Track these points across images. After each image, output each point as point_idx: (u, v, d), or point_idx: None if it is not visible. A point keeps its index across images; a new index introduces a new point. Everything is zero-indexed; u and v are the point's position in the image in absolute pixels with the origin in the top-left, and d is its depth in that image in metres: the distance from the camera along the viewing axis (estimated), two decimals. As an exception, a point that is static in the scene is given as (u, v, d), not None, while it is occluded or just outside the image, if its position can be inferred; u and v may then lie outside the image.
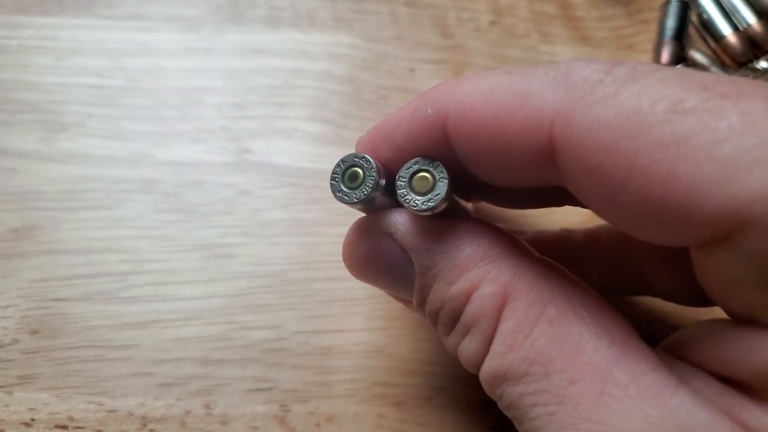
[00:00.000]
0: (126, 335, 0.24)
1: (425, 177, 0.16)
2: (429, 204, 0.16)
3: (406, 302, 0.19)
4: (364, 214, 0.18)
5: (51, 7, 0.31)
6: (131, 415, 0.23)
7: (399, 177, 0.16)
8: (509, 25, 0.31)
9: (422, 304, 0.17)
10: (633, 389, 0.13)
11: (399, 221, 0.17)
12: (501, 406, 0.15)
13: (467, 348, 0.16)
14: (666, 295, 0.21)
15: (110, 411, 0.23)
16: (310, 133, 0.28)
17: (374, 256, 0.17)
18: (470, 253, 0.16)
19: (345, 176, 0.16)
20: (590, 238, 0.23)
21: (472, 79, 0.16)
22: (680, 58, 0.30)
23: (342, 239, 0.26)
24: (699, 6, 0.31)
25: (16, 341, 0.24)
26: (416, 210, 0.16)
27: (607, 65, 0.13)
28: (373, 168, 0.16)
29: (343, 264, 0.25)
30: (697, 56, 0.30)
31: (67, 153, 0.28)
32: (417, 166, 0.16)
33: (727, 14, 0.30)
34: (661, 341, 0.16)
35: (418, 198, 0.16)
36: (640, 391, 0.13)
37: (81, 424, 0.22)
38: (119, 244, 0.26)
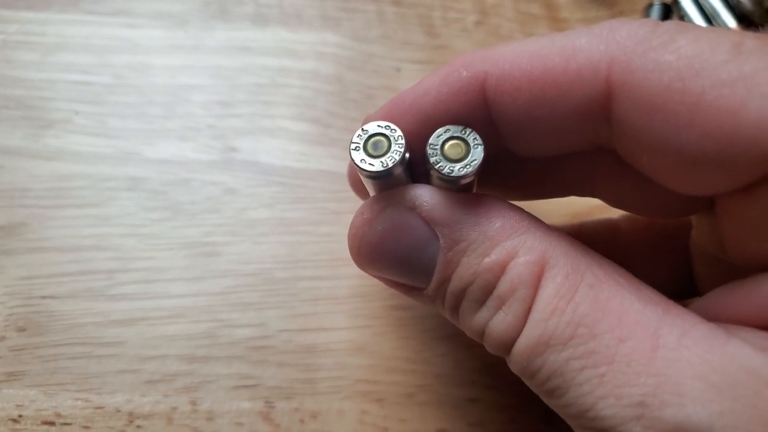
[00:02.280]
0: (113, 332, 0.24)
1: (458, 144, 0.15)
2: (466, 170, 0.15)
3: (412, 291, 0.18)
4: (365, 199, 0.18)
5: (36, 1, 0.31)
6: (118, 411, 0.23)
7: (430, 145, 0.15)
8: (495, 25, 0.32)
9: (444, 283, 0.16)
10: (687, 341, 0.13)
11: (424, 194, 0.16)
12: (539, 379, 0.15)
13: (501, 322, 0.15)
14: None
15: (97, 407, 0.23)
16: (297, 132, 0.29)
17: (395, 233, 0.16)
18: (503, 225, 0.15)
19: (368, 145, 0.15)
20: (576, 232, 0.23)
21: (506, 45, 0.15)
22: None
23: (327, 238, 0.26)
24: (681, 9, 0.31)
25: (3, 338, 0.24)
26: (452, 177, 0.15)
27: (651, 21, 0.14)
28: (400, 136, 0.15)
29: (327, 263, 0.26)
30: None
31: (54, 150, 0.28)
32: (448, 133, 0.15)
33: (708, 18, 0.31)
34: None
35: (454, 165, 0.15)
36: (695, 342, 0.13)
37: (68, 420, 0.23)
38: (106, 241, 0.26)
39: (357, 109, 0.29)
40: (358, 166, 0.15)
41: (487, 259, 0.15)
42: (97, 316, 0.25)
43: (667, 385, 0.13)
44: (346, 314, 0.25)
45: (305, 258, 0.26)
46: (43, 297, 0.25)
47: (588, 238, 0.23)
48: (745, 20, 0.30)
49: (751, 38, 0.13)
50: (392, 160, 0.15)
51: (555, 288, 0.15)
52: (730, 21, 0.30)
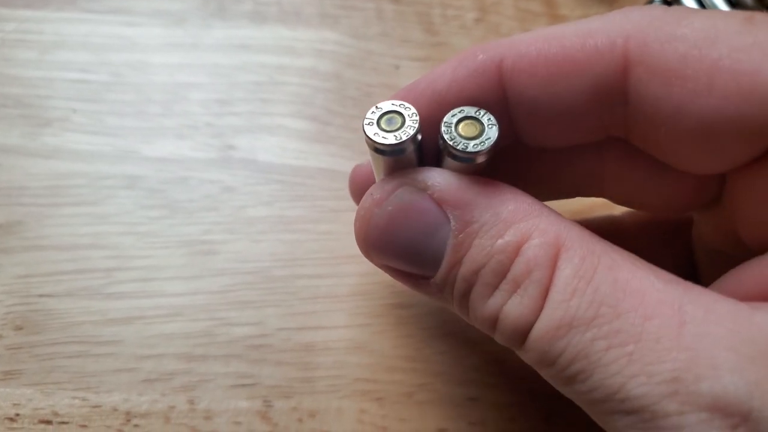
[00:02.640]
0: (110, 331, 0.24)
1: (473, 124, 0.15)
2: (482, 146, 0.15)
3: (417, 281, 0.17)
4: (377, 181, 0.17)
5: (35, 0, 0.31)
6: (115, 410, 0.23)
7: (444, 123, 0.15)
8: (494, 22, 0.32)
9: (455, 267, 0.16)
10: (712, 316, 0.13)
11: (436, 176, 0.16)
12: (561, 364, 0.14)
13: (518, 305, 0.15)
14: None
15: (94, 406, 0.23)
16: (295, 129, 0.29)
17: (405, 214, 0.16)
18: (516, 208, 0.15)
19: (381, 121, 0.15)
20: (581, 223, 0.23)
21: (520, 34, 0.16)
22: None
23: (326, 236, 0.26)
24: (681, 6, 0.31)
25: (0, 337, 0.24)
26: (466, 153, 0.15)
27: (662, 6, 0.15)
28: (415, 113, 0.15)
29: (326, 261, 0.26)
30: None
31: (52, 148, 0.28)
32: (462, 113, 0.15)
33: (709, 14, 0.30)
34: None
35: (467, 141, 0.15)
36: (721, 317, 0.13)
37: (65, 420, 0.23)
38: (104, 240, 0.26)
39: (356, 107, 0.29)
40: (371, 139, 0.15)
41: (500, 241, 0.15)
42: (95, 314, 0.24)
43: (699, 358, 0.12)
44: (346, 312, 0.25)
45: (304, 256, 0.26)
46: (41, 295, 0.25)
47: (596, 226, 0.23)
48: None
49: (758, 14, 0.14)
50: (406, 134, 0.15)
51: (573, 269, 0.14)
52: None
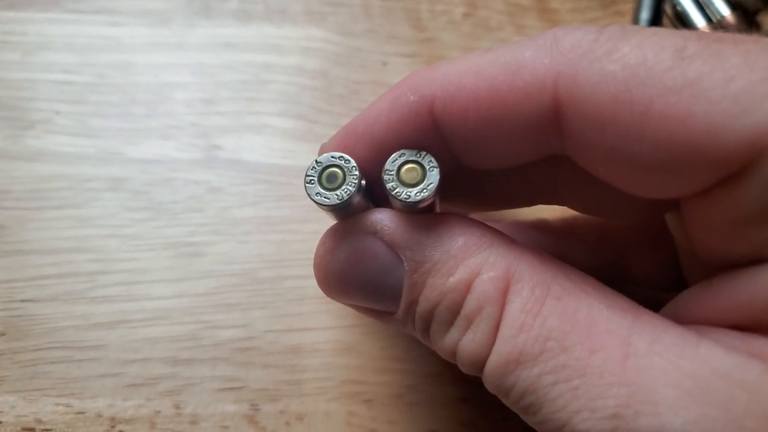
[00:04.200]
0: (94, 336, 0.24)
1: (414, 168, 0.15)
2: (423, 194, 0.15)
3: (383, 315, 0.18)
4: (333, 222, 0.18)
5: (18, 0, 0.31)
6: (100, 416, 0.22)
7: (386, 171, 0.15)
8: (483, 17, 0.31)
9: (412, 305, 0.16)
10: (658, 347, 0.13)
11: (384, 219, 0.16)
12: (513, 397, 0.15)
13: (471, 341, 0.15)
14: (642, 280, 0.21)
15: (79, 412, 0.22)
16: (282, 128, 0.28)
17: (358, 260, 0.16)
18: (465, 242, 0.15)
19: (322, 177, 0.16)
20: (567, 225, 0.23)
21: (451, 63, 0.15)
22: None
23: (313, 236, 0.26)
24: (673, -3, 0.30)
25: (-18, 343, 0.23)
26: (409, 202, 0.15)
27: (595, 27, 0.14)
28: (354, 167, 0.15)
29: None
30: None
31: (35, 151, 0.27)
32: (403, 158, 0.15)
33: (701, 6, 0.30)
34: None
35: (410, 190, 0.15)
36: (666, 348, 0.13)
37: (49, 426, 0.22)
38: (88, 243, 0.25)
39: (343, 105, 0.29)
40: (313, 200, 0.15)
41: (451, 279, 0.15)
42: (78, 319, 0.24)
43: (640, 394, 0.13)
44: (333, 313, 0.25)
45: (291, 257, 0.26)
46: (23, 300, 0.24)
47: (580, 228, 0.23)
48: (738, 8, 0.30)
49: (693, 41, 0.13)
50: (347, 192, 0.15)
51: (521, 303, 0.14)
52: (724, 9, 0.29)
